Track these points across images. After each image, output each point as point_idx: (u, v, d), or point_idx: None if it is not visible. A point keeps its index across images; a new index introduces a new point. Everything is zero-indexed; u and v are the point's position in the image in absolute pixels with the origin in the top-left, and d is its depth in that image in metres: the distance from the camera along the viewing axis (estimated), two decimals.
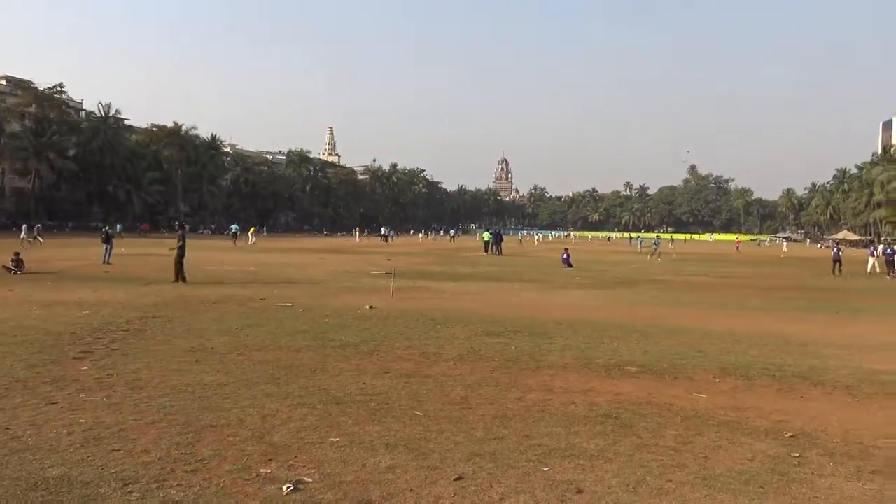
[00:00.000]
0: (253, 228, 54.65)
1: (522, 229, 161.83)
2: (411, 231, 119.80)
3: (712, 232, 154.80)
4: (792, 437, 5.71)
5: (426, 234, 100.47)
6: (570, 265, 29.76)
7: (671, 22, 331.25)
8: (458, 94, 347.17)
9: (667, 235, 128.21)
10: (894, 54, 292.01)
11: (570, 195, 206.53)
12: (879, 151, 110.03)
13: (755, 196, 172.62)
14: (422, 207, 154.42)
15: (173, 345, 8.93)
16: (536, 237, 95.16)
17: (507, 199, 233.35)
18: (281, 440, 5.29)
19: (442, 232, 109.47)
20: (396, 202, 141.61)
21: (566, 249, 31.71)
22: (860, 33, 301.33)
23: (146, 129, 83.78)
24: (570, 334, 10.58)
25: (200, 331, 10.05)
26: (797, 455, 5.27)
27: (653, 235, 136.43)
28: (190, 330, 10.12)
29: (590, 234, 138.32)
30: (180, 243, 18.11)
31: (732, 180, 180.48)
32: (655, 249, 47.74)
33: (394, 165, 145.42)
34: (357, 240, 67.41)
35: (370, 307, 13.21)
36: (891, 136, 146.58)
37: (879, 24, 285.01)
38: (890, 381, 7.87)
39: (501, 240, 43.47)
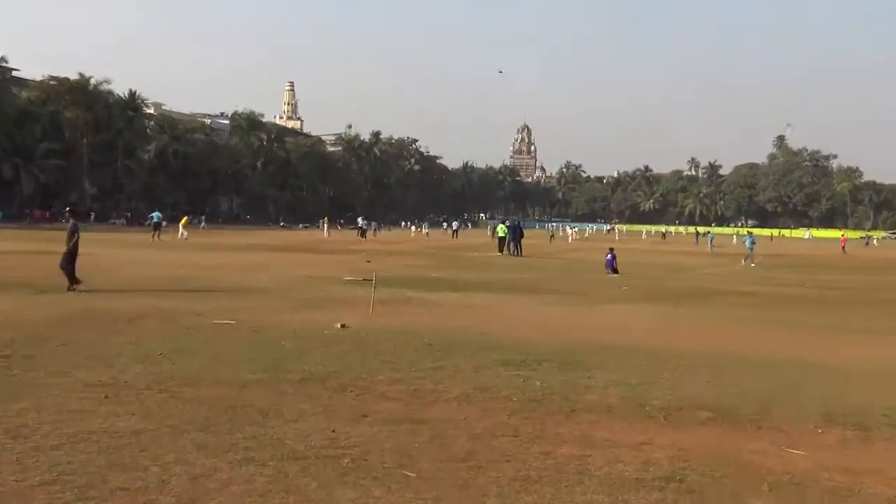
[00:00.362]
0: (185, 219, 54.51)
1: (551, 221, 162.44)
2: (401, 223, 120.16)
3: (808, 226, 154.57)
4: None
5: (419, 226, 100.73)
6: (615, 271, 29.78)
7: None
8: (464, 42, 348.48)
9: (744, 230, 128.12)
10: None
11: (616, 175, 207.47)
12: None
13: (866, 178, 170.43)
14: (414, 190, 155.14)
15: (72, 377, 8.85)
16: (570, 232, 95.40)
17: (530, 179, 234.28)
18: None
19: (444, 224, 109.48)
20: (379, 183, 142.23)
21: (611, 249, 31.76)
22: None
23: (41, 83, 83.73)
24: (615, 365, 10.51)
25: (110, 358, 9.97)
26: None
27: (730, 230, 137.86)
28: (95, 356, 10.04)
29: (644, 227, 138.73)
30: (75, 238, 18.08)
31: (835, 157, 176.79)
32: (750, 252, 42.39)
33: (376, 134, 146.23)
34: (325, 234, 67.72)
35: (342, 326, 13.16)
36: None
37: None
38: None
39: (522, 235, 43.58)
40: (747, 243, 43.70)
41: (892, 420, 8.09)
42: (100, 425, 6.99)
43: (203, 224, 74.09)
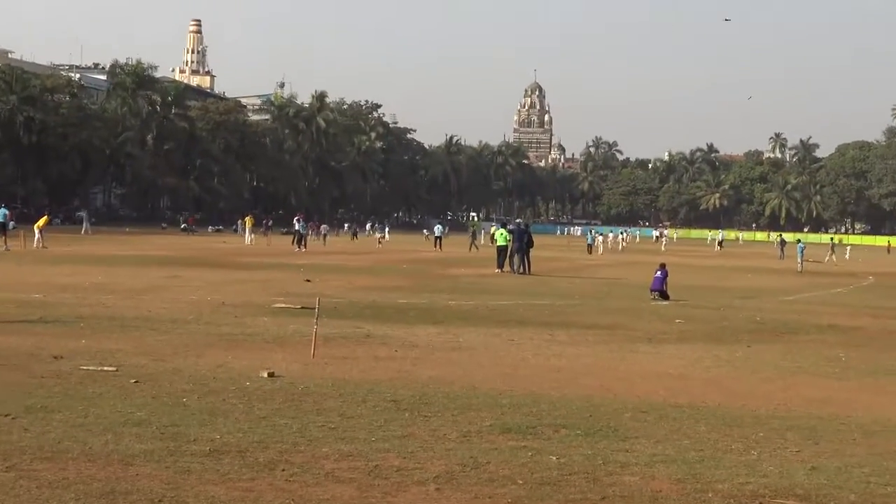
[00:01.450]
0: (44, 218, 53.90)
1: (572, 222, 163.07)
2: (366, 225, 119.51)
3: None
4: None
5: (380, 230, 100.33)
6: (663, 295, 29.85)
7: None
8: None
9: (837, 237, 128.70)
10: None
11: (666, 158, 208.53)
12: None
13: None
14: (375, 178, 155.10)
15: None
16: (598, 238, 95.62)
17: (543, 163, 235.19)
18: None
19: (433, 227, 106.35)
20: (326, 167, 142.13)
21: (662, 266, 31.83)
22: None
23: None
24: (664, 432, 10.55)
25: None
26: None
27: (824, 238, 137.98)
28: None
29: (708, 233, 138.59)
30: None
31: None
32: (800, 261, 47.01)
33: (320, 97, 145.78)
34: (247, 240, 67.45)
35: (270, 375, 13.16)
36: None
37: None
38: None
39: (531, 244, 43.54)
40: (799, 253, 52.00)
41: None
42: None
43: (87, 225, 73.24)
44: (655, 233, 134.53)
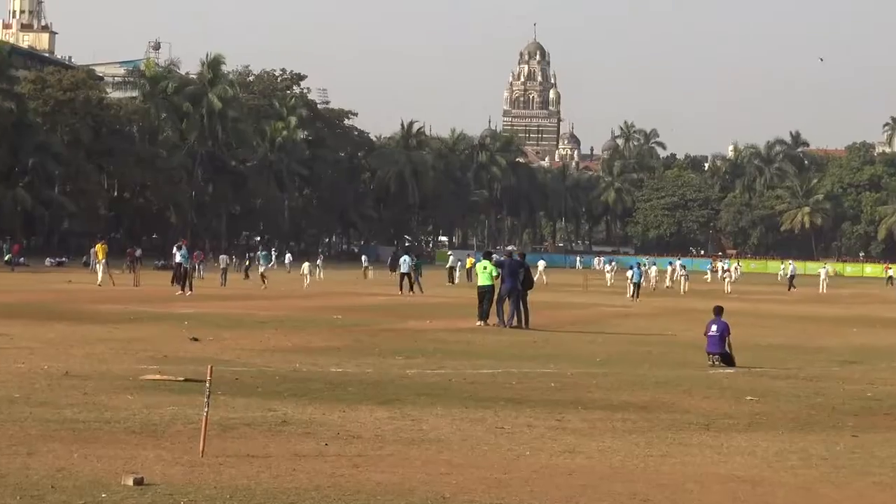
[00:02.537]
0: None
1: (591, 252, 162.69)
2: (254, 257, 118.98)
3: None
4: None
5: (311, 264, 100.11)
6: (726, 359, 29.95)
7: None
8: None
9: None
10: None
11: (731, 154, 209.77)
12: None
13: None
14: (297, 183, 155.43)
15: None
16: (653, 270, 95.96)
17: (546, 161, 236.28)
18: None
19: (402, 262, 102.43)
20: (223, 167, 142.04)
21: (718, 313, 31.90)
22: None
23: None
24: None
25: None
26: None
27: None
28: None
29: (782, 265, 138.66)
30: None
31: None
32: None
33: (213, 64, 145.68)
34: (99, 278, 67.03)
35: (137, 482, 13.12)
36: None
37: None
38: None
39: (529, 283, 43.71)
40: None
41: None
42: None
43: None
44: (708, 267, 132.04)
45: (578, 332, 41.93)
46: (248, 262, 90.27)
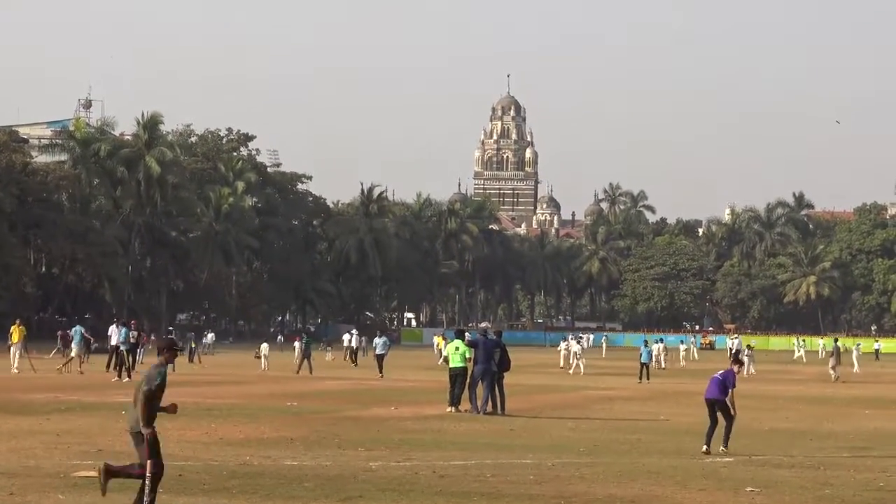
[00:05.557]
0: None
1: (574, 329, 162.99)
2: (196, 340, 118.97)
3: None
4: None
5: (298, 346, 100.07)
6: (723, 408, 30.15)
7: None
8: None
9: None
10: None
11: (727, 218, 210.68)
12: None
13: None
14: (246, 255, 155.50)
15: None
16: (659, 347, 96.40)
17: (523, 229, 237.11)
18: None
19: (376, 343, 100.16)
20: (163, 238, 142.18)
21: (735, 358, 32.03)
22: None
23: None
24: None
25: None
26: None
27: None
28: None
29: (800, 340, 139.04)
30: None
31: None
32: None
33: (149, 125, 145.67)
34: (13, 364, 66.72)
35: None
36: None
37: None
38: None
39: (505, 364, 43.74)
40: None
41: None
42: None
43: None
44: (729, 343, 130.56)
45: (560, 419, 41.90)
46: (192, 345, 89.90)
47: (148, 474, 18.38)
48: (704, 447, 30.05)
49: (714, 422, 30.17)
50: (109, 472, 18.73)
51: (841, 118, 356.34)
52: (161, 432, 32.28)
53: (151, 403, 19.06)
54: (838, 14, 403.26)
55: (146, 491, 18.33)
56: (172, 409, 20.26)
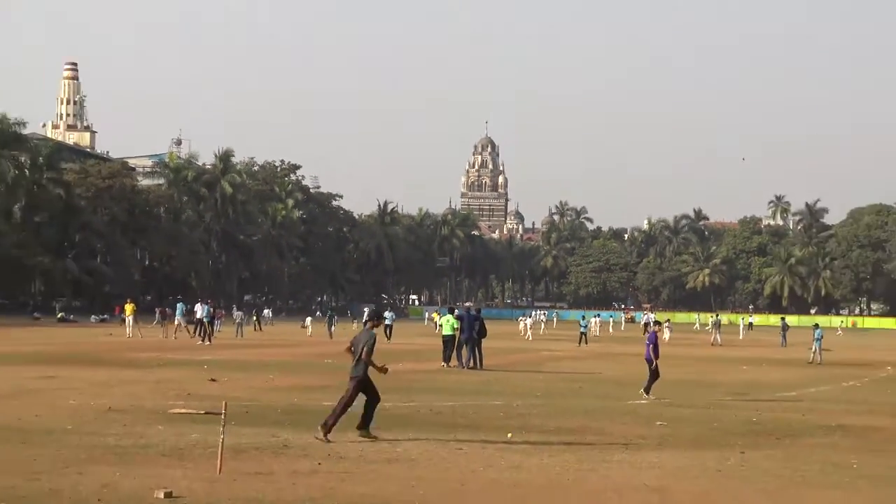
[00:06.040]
0: None
1: (533, 307, 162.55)
2: (258, 314, 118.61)
3: None
4: None
5: (319, 320, 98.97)
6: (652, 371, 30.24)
7: None
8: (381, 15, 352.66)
9: (836, 319, 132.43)
10: None
11: (645, 227, 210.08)
12: None
13: None
14: (293, 253, 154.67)
15: None
16: (594, 321, 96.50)
17: (497, 235, 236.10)
18: None
19: (386, 316, 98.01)
20: (233, 241, 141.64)
21: (651, 337, 32.02)
22: None
23: None
24: None
25: None
26: None
27: (838, 319, 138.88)
28: None
29: (695, 316, 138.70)
30: None
31: None
32: (816, 348, 54.57)
33: (224, 157, 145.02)
34: (130, 331, 66.43)
35: (167, 495, 13.14)
36: None
37: None
38: None
39: (483, 333, 43.63)
40: (817, 339, 55.38)
41: None
42: None
43: None
44: (643, 318, 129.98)
45: (522, 372, 41.71)
46: (256, 318, 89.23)
47: (344, 404, 20.45)
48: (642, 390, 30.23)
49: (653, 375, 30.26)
50: (327, 426, 19.73)
51: (731, 151, 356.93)
52: (233, 381, 32.22)
53: (371, 355, 21.01)
54: (744, 66, 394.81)
55: (336, 413, 20.13)
56: (384, 370, 22.03)
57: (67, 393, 27.20)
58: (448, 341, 43.39)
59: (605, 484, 15.53)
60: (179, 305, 70.50)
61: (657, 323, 37.65)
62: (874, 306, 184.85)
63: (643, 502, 13.99)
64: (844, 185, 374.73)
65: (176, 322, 68.14)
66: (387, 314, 78.06)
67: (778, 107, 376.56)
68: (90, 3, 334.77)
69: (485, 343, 43.54)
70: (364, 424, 20.15)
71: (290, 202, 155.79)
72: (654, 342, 31.18)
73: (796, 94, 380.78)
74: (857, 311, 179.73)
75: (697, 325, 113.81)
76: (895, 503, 14.66)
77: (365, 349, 20.97)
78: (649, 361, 30.55)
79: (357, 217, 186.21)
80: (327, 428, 19.50)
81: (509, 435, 20.48)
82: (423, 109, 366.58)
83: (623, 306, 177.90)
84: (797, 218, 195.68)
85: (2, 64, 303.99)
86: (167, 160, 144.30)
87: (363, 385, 20.66)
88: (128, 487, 13.77)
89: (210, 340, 60.52)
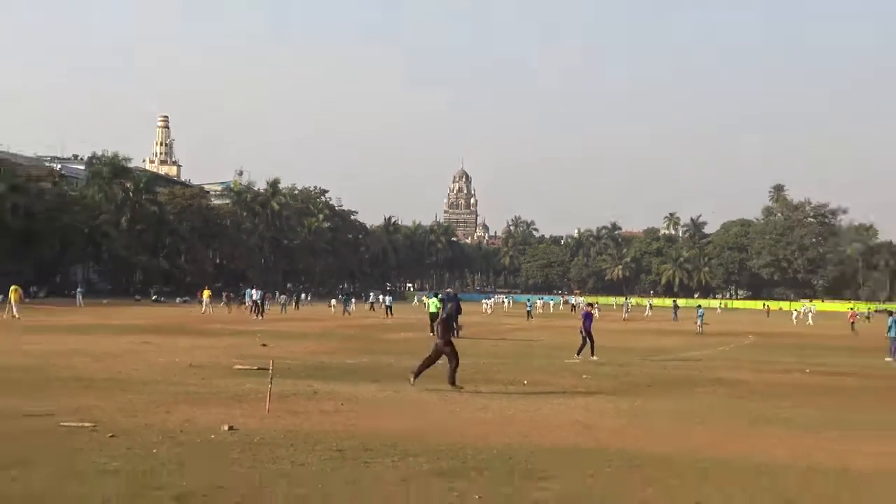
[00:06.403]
0: (15, 290, 51.37)
1: (495, 293, 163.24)
2: (298, 296, 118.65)
3: (811, 297, 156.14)
4: None
5: (340, 302, 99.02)
6: (587, 338, 30.24)
7: None
8: (387, 80, 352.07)
9: (714, 302, 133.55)
10: None
11: (576, 235, 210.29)
12: None
13: (881, 238, 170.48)
14: (323, 254, 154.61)
15: None
16: (538, 303, 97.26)
17: (469, 240, 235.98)
18: None
19: (377, 298, 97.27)
20: (279, 245, 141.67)
21: (586, 315, 31.98)
22: None
23: None
24: (573, 475, 10.61)
25: None
26: None
27: (713, 302, 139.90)
28: None
29: (613, 300, 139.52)
30: None
31: (844, 212, 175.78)
32: (699, 322, 56.76)
33: (273, 184, 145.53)
34: (207, 308, 66.45)
35: (230, 428, 13.07)
36: None
37: None
38: None
39: (459, 311, 43.44)
40: (698, 317, 57.72)
41: None
42: None
43: (80, 299, 72.47)
44: (572, 300, 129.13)
45: (487, 339, 41.54)
46: (295, 300, 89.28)
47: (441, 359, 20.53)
48: (577, 355, 30.10)
49: (584, 343, 29.97)
50: (418, 372, 20.21)
51: (643, 180, 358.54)
52: (279, 346, 31.90)
53: (446, 325, 21.39)
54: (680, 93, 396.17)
55: (423, 364, 20.49)
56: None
57: (157, 354, 27.12)
58: (433, 316, 43.21)
59: (549, 420, 15.45)
60: (248, 291, 71.62)
61: (589, 304, 37.53)
62: (740, 292, 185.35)
63: (577, 433, 13.91)
64: (720, 204, 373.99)
65: (247, 303, 68.67)
66: (387, 298, 78.23)
67: (672, 143, 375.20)
68: (179, 68, 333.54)
69: (459, 318, 43.42)
70: (417, 373, 20.22)
71: (321, 217, 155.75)
72: (589, 318, 31.14)
73: (684, 127, 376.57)
74: (727, 295, 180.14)
75: (649, 309, 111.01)
76: (745, 430, 14.57)
77: (441, 322, 21.54)
78: (582, 332, 30.47)
79: (369, 227, 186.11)
80: (415, 374, 20.10)
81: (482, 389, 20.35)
82: (419, 150, 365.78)
83: (560, 292, 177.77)
84: (685, 229, 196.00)
85: (117, 118, 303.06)
86: (232, 186, 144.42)
87: (443, 349, 20.51)
88: (202, 422, 13.70)
89: (262, 316, 60.59)
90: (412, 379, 19.83)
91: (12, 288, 51.52)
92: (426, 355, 20.83)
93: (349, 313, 70.10)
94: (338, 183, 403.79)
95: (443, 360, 20.46)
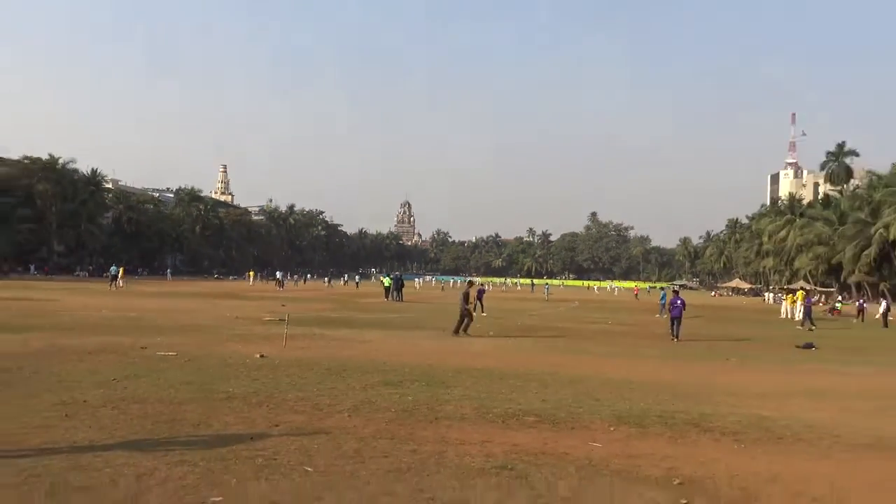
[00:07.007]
0: (122, 269, 51.04)
1: (424, 275, 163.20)
2: (305, 276, 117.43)
3: (612, 278, 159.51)
4: (680, 483, 6.00)
5: (334, 279, 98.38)
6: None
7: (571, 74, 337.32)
8: (359, 134, 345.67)
9: (556, 282, 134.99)
10: (780, 113, 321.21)
11: (474, 240, 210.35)
12: (768, 203, 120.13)
13: (653, 244, 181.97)
14: (320, 251, 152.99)
15: (40, 399, 8.43)
16: (451, 282, 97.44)
17: (410, 243, 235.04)
18: (157, 502, 5.10)
19: (353, 277, 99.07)
20: (293, 245, 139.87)
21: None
22: (750, 90, 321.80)
23: (16, 162, 79.38)
24: (469, 383, 10.71)
25: (72, 383, 9.53)
26: (685, 502, 5.55)
27: (556, 282, 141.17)
28: (60, 382, 9.58)
29: (496, 279, 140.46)
30: None
31: (631, 228, 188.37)
32: (546, 292, 59.81)
33: (291, 207, 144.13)
34: (251, 283, 65.77)
35: (261, 356, 12.93)
36: (778, 189, 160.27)
37: (765, 83, 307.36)
38: (774, 426, 8.42)
39: (402, 285, 43.34)
40: (545, 290, 60.58)
41: (664, 420, 8.56)
42: (61, 436, 6.74)
43: (169, 276, 71.99)
44: (470, 279, 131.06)
45: (419, 303, 41.26)
46: (304, 279, 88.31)
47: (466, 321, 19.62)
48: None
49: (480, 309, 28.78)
50: (456, 331, 19.28)
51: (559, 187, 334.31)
52: (294, 306, 31.35)
53: (468, 298, 20.28)
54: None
55: (459, 326, 19.52)
56: (471, 310, 20.42)
57: (217, 309, 26.66)
58: (386, 289, 43.05)
59: (453, 351, 15.41)
60: (279, 273, 69.11)
61: (481, 284, 37.30)
62: (571, 276, 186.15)
63: (470, 359, 13.92)
64: (562, 221, 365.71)
65: (277, 278, 66.79)
66: (357, 277, 78.05)
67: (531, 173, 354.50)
68: (236, 128, 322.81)
69: (404, 290, 43.33)
70: (456, 332, 19.35)
71: (319, 227, 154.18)
72: (481, 292, 30.79)
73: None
74: (564, 278, 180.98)
75: (596, 288, 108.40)
76: (574, 360, 14.76)
77: (463, 295, 20.38)
78: (480, 300, 30.17)
79: (349, 234, 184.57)
80: (456, 332, 19.25)
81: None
82: (378, 184, 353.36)
83: (464, 275, 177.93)
84: (539, 238, 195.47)
85: (190, 167, 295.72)
86: (265, 208, 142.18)
87: (466, 312, 19.86)
88: (244, 352, 13.48)
89: (282, 287, 59.69)
90: (454, 335, 18.98)
91: (121, 268, 51.22)
92: (456, 320, 19.99)
93: (331, 285, 69.51)
94: (333, 203, 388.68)
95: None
